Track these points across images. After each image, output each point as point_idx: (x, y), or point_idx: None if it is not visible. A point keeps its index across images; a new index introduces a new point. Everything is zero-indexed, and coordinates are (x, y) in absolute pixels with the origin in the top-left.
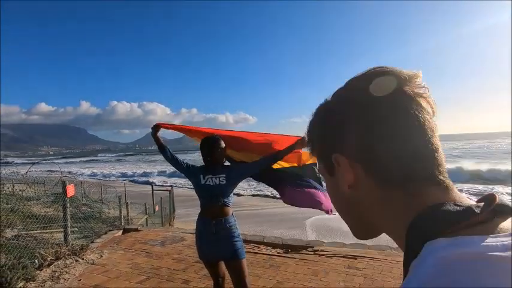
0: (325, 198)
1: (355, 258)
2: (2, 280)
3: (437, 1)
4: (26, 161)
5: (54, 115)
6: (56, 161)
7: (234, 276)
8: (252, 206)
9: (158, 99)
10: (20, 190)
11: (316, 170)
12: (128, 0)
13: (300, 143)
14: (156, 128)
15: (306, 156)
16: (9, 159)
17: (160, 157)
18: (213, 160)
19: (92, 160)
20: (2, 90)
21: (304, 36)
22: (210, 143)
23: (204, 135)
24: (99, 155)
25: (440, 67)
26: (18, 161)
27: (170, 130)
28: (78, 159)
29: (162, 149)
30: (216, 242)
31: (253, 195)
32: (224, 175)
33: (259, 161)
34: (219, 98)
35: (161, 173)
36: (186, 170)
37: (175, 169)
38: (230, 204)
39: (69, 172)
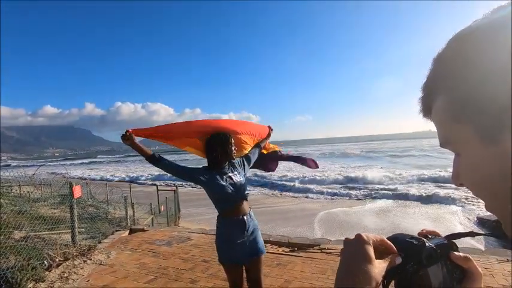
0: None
1: None
2: (12, 281)
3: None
4: (23, 164)
5: (59, 117)
6: (52, 163)
7: (255, 273)
8: (260, 203)
9: (162, 99)
10: (28, 192)
11: (280, 153)
12: (128, 1)
13: (270, 133)
14: (127, 138)
15: (269, 145)
16: (9, 162)
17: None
18: (225, 158)
19: (92, 162)
20: (8, 94)
21: (307, 35)
22: (223, 141)
23: (185, 134)
24: (98, 156)
25: None
26: (14, 163)
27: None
28: (78, 161)
29: (153, 159)
30: (248, 240)
31: (259, 193)
32: (237, 172)
33: (253, 151)
34: (223, 98)
35: (163, 175)
36: (194, 178)
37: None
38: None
39: (63, 174)
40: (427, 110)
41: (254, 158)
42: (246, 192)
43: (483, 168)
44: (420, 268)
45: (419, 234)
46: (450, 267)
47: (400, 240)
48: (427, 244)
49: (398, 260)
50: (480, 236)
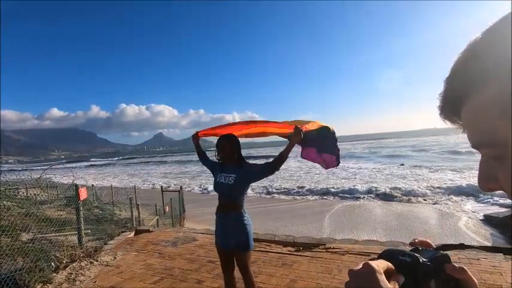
0: (330, 159)
1: (369, 255)
2: (21, 283)
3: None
4: (25, 167)
5: (65, 120)
6: (57, 165)
7: (238, 262)
8: (270, 202)
9: (166, 101)
10: (34, 194)
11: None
12: (130, 0)
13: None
14: (195, 138)
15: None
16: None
17: (161, 159)
18: (222, 158)
19: (91, 166)
20: (15, 98)
21: (311, 35)
22: (219, 141)
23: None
24: (91, 159)
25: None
26: (5, 168)
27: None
28: (74, 165)
29: (203, 153)
30: (228, 231)
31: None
32: (234, 175)
33: (265, 166)
34: (226, 98)
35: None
36: (210, 168)
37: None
38: (239, 201)
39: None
40: (453, 105)
41: (267, 168)
42: (233, 196)
43: None
44: (417, 286)
45: (410, 244)
46: (445, 279)
47: (394, 258)
48: (420, 260)
49: (402, 280)
50: (488, 233)
